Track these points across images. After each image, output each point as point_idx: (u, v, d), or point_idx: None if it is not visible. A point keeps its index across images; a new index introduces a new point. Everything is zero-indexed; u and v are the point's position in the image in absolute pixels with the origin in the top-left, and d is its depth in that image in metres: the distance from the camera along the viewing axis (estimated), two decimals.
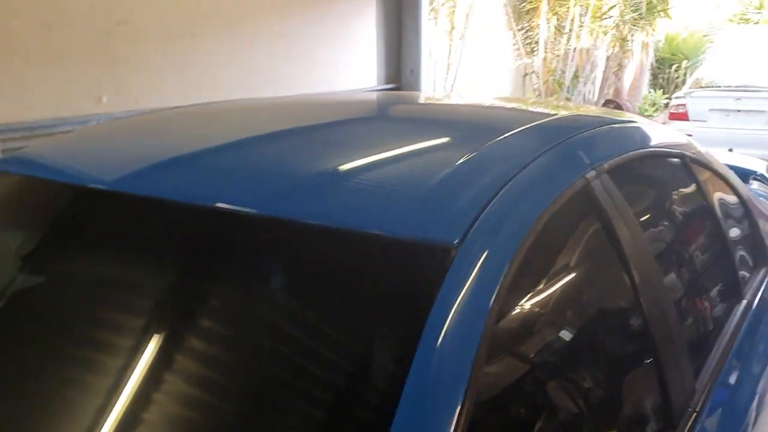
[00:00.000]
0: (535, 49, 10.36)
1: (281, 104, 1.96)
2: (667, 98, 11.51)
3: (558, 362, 1.15)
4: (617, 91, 11.62)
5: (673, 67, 12.70)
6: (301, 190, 1.17)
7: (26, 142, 3.25)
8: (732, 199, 2.12)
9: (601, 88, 11.31)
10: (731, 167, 2.29)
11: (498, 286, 0.98)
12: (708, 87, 8.20)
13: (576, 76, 10.67)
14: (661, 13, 11.01)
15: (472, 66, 9.30)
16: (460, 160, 1.21)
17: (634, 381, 1.32)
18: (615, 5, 10.49)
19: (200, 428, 1.01)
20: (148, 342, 1.10)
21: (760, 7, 14.35)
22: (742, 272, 1.95)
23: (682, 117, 7.88)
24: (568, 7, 10.14)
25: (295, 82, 5.30)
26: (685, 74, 12.17)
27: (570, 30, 10.25)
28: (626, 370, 1.32)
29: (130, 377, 1.04)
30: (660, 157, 1.77)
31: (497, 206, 1.08)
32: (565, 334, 1.18)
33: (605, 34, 10.69)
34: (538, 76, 10.39)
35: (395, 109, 1.96)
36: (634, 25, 10.56)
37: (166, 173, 1.32)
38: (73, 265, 1.34)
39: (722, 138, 7.03)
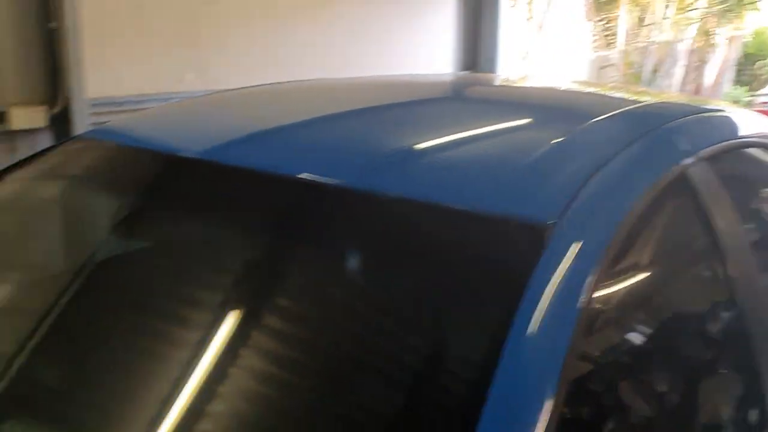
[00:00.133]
0: (614, 41, 10.11)
1: (368, 83, 1.96)
2: (751, 95, 11.08)
3: (651, 355, 1.11)
4: (698, 87, 11.26)
5: (757, 63, 12.21)
6: (392, 163, 1.16)
7: (112, 116, 3.35)
8: None
9: (682, 83, 10.97)
10: None
11: (594, 271, 0.95)
12: None
13: (655, 70, 10.37)
14: (750, 7, 10.59)
15: (549, 56, 9.14)
16: (555, 141, 1.19)
17: (730, 380, 1.27)
18: None
19: (276, 406, 1.00)
20: (229, 313, 1.10)
21: None
22: None
23: None
24: None
25: (371, 66, 5.30)
26: None
27: (652, 22, 9.96)
28: (720, 368, 1.27)
29: (212, 348, 1.04)
30: (757, 146, 1.70)
31: (594, 188, 1.05)
32: (659, 327, 1.14)
33: (689, 27, 10.34)
34: (616, 69, 10.14)
35: (483, 89, 1.94)
36: (722, 18, 10.19)
37: (254, 144, 1.33)
38: (159, 232, 1.37)
39: None
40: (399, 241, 1.11)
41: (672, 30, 10.37)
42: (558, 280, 0.92)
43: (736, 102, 11.57)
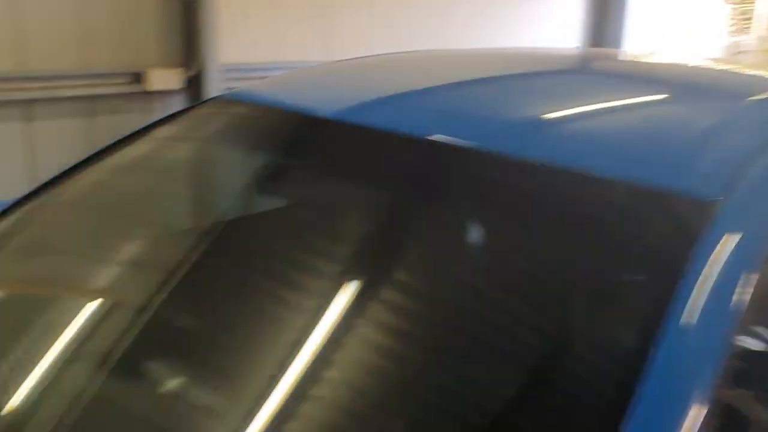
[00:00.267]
0: (750, 26, 9.54)
1: (504, 54, 1.92)
2: None
3: None
4: None
5: None
6: (540, 129, 1.12)
7: (242, 82, 3.45)
8: None
9: None
10: None
11: (758, 255, 0.87)
12: None
13: None
14: None
15: (681, 39, 8.71)
16: (716, 117, 1.12)
17: None
18: None
19: (398, 382, 0.96)
20: (357, 278, 1.09)
21: None
22: None
23: None
24: None
25: (494, 41, 5.21)
26: None
27: None
28: None
29: (337, 312, 1.03)
30: None
31: (763, 169, 0.97)
32: None
33: None
34: (752, 55, 9.57)
35: (624, 64, 1.86)
36: None
37: (389, 105, 1.32)
38: (294, 192, 1.39)
39: None
40: (543, 211, 1.04)
41: None
42: (719, 265, 0.84)
43: None
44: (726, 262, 0.84)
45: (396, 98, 1.37)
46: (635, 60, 1.99)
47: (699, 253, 0.85)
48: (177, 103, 3.58)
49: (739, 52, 9.74)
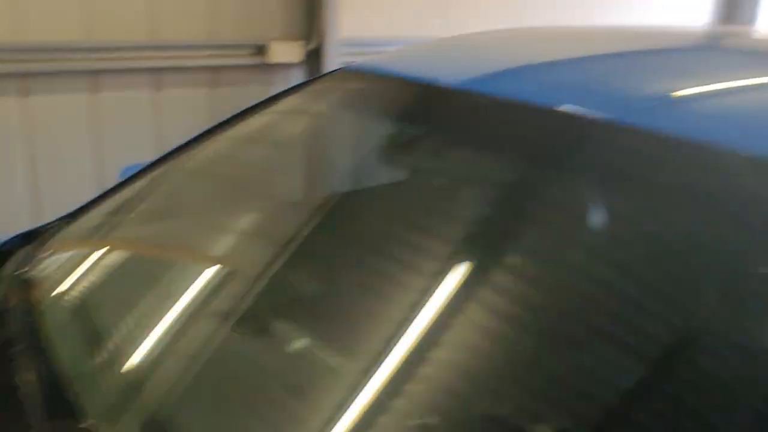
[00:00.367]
0: None
1: (631, 31, 1.85)
2: None
3: None
4: None
5: None
6: (675, 104, 1.06)
7: (360, 57, 3.48)
8: None
9: None
10: None
11: None
12: None
13: None
14: None
15: None
16: None
17: None
18: None
19: (509, 361, 0.94)
20: (478, 253, 1.07)
21: None
22: None
23: None
24: None
25: (616, 18, 5.03)
26: None
27: None
28: None
29: (453, 287, 1.01)
30: None
31: None
32: None
33: None
34: None
35: (759, 41, 1.75)
36: None
37: (515, 76, 1.31)
38: (419, 162, 1.39)
39: None
40: (678, 188, 0.98)
41: None
42: None
43: None
44: None
45: (524, 69, 1.35)
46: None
47: None
48: (296, 76, 3.65)
49: None
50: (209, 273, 1.29)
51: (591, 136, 1.09)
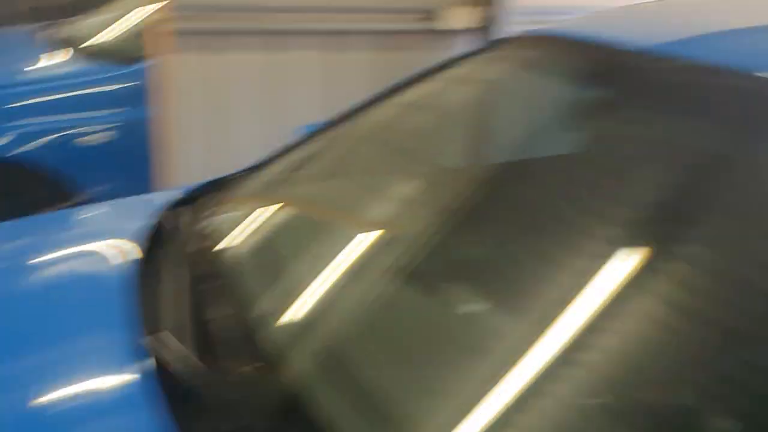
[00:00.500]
0: None
1: None
2: None
3: None
4: None
5: None
6: None
7: (534, 25, 3.38)
8: None
9: None
10: None
11: None
12: None
13: None
14: None
15: None
16: None
17: None
18: None
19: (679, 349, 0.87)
20: (660, 221, 1.01)
21: None
22: None
23: None
24: None
25: None
26: None
27: None
28: None
29: (634, 258, 0.95)
30: None
31: None
32: None
33: None
34: None
35: None
36: None
37: (708, 40, 1.25)
38: (604, 129, 1.34)
39: None
40: None
41: None
42: None
43: None
44: None
45: (720, 34, 1.28)
46: None
47: None
48: (466, 44, 3.61)
49: None
50: (381, 233, 1.31)
51: None
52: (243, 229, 1.44)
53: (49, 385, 1.05)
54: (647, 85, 1.26)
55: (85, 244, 1.54)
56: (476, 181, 1.36)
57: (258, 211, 1.50)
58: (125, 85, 3.60)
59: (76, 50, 3.86)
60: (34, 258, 1.50)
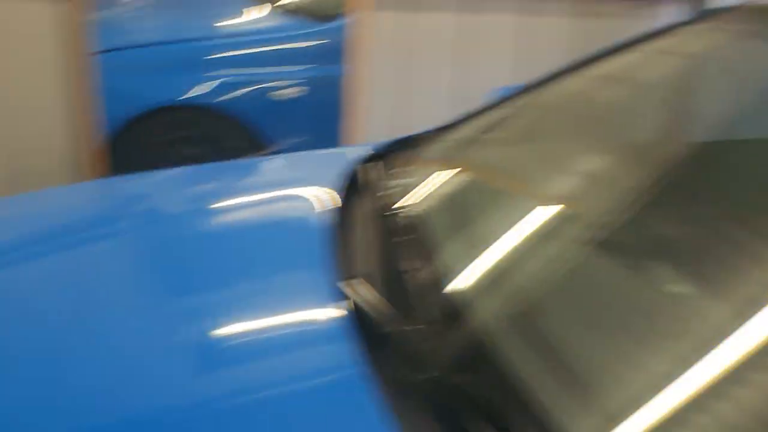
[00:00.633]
0: None
1: None
2: None
3: None
4: None
5: None
6: None
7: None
8: None
9: None
10: None
11: None
12: None
13: None
14: None
15: None
16: None
17: None
18: None
19: None
20: None
21: None
22: None
23: None
24: None
25: None
26: None
27: None
28: None
29: None
30: None
31: None
32: None
33: None
34: None
35: None
36: None
37: None
38: None
39: None
40: None
41: None
42: None
43: None
44: None
45: None
46: None
47: None
48: (671, 14, 3.42)
49: None
50: (575, 201, 1.29)
51: None
52: (434, 187, 1.46)
53: (256, 314, 1.14)
54: None
55: (285, 189, 1.64)
56: (683, 157, 1.30)
57: (449, 170, 1.52)
58: (319, 41, 3.73)
59: (274, 6, 4.05)
60: (240, 198, 1.61)
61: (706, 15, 1.69)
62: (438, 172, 1.51)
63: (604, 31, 3.12)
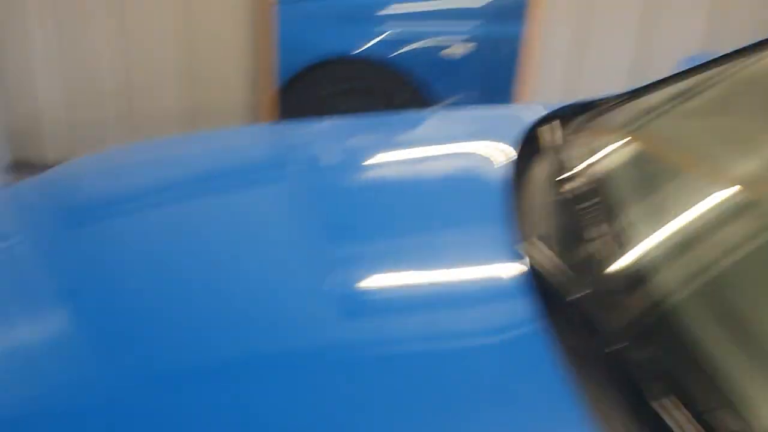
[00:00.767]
0: None
1: None
2: None
3: None
4: None
5: None
6: None
7: None
8: None
9: None
10: None
11: None
12: None
13: None
14: None
15: None
16: None
17: None
18: None
19: None
20: None
21: None
22: None
23: None
24: None
25: None
26: None
27: None
28: None
29: None
30: None
31: None
32: None
33: None
34: None
35: None
36: None
37: None
38: None
39: None
40: None
41: None
42: None
43: None
44: None
45: None
46: None
47: None
48: None
49: None
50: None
51: None
52: (617, 154, 1.41)
53: (429, 265, 1.15)
54: None
55: (459, 142, 1.63)
56: None
57: (632, 139, 1.46)
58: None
59: None
60: (413, 150, 1.63)
61: None
62: (621, 140, 1.45)
63: None
